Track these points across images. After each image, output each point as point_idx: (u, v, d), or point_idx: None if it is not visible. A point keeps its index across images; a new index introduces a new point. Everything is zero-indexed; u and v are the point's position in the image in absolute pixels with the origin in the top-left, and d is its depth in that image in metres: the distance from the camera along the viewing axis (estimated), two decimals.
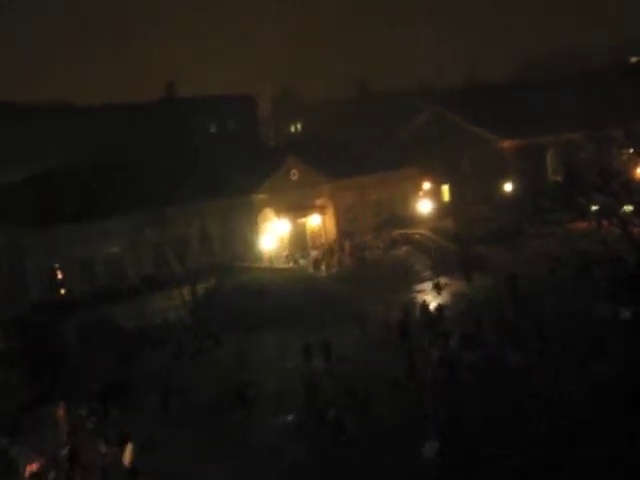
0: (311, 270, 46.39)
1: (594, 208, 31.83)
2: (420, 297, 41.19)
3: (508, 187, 60.96)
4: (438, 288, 41.12)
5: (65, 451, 23.72)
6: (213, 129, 74.95)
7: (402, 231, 52.87)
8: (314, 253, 50.17)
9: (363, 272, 45.41)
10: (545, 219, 49.34)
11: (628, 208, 30.67)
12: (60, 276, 42.10)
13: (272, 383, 28.94)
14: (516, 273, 38.31)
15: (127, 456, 23.47)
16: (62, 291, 41.91)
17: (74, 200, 43.65)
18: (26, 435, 26.33)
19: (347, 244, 50.30)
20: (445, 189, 64.89)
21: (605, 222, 29.49)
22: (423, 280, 44.75)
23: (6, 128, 58.87)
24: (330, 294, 40.85)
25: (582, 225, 36.84)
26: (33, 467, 23.04)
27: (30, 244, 40.51)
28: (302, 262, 48.00)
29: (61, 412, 27.85)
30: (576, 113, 50.22)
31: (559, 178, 52.65)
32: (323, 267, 46.91)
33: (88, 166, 50.43)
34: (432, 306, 36.73)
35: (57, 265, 41.84)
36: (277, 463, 22.73)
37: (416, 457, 21.52)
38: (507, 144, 61.45)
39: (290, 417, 26.29)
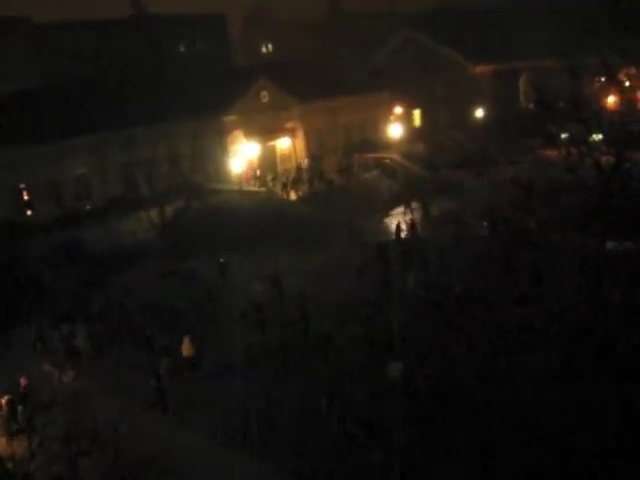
0: (280, 193, 46.26)
1: (564, 136, 31.85)
2: (389, 221, 41.50)
3: (480, 113, 60.83)
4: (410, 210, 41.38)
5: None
6: (182, 49, 73.23)
7: (372, 155, 52.72)
8: (284, 176, 49.94)
9: (332, 196, 45.41)
10: (515, 145, 49.64)
11: (597, 137, 30.74)
12: (26, 197, 41.45)
13: (237, 305, 28.98)
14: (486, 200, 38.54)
15: (186, 348, 24.70)
16: (28, 212, 41.32)
17: (38, 119, 42.62)
18: None
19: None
20: (417, 114, 64.56)
21: (574, 150, 29.53)
22: (392, 204, 44.86)
23: None
24: (299, 217, 40.89)
25: (552, 153, 36.96)
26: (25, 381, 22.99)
27: None
28: (271, 185, 47.79)
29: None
30: (551, 40, 49.78)
31: (531, 105, 52.73)
32: (292, 190, 46.79)
33: (52, 85, 49.13)
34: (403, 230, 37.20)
35: (23, 185, 41.14)
36: (228, 388, 22.94)
37: (382, 378, 21.97)
38: (480, 69, 61.04)
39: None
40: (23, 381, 22.98)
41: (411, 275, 29.98)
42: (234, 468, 19.17)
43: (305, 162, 52.86)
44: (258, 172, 49.61)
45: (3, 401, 22.46)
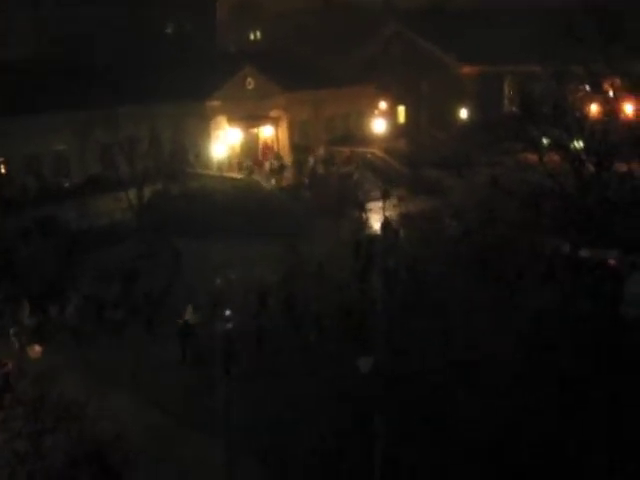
0: (262, 181, 46.11)
1: (546, 141, 32.13)
2: (369, 215, 41.58)
3: (464, 113, 61.07)
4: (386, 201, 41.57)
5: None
6: (170, 29, 72.50)
7: (354, 149, 52.74)
8: (265, 165, 49.82)
9: (313, 187, 45.41)
10: (497, 148, 49.89)
11: (579, 144, 31.03)
12: (3, 171, 40.97)
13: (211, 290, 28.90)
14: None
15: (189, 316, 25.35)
16: (4, 186, 40.80)
17: (18, 92, 42.05)
18: None
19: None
20: (401, 110, 64.67)
21: (556, 156, 29.84)
22: (372, 199, 44.90)
23: None
24: (279, 206, 40.85)
25: (532, 157, 37.14)
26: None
27: None
28: (252, 173, 47.63)
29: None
30: (537, 45, 49.96)
31: (514, 108, 52.96)
32: (273, 179, 46.69)
33: (33, 59, 48.49)
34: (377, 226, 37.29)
35: (0, 159, 40.66)
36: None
37: (353, 372, 22.04)
38: (466, 69, 61.28)
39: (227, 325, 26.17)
40: None
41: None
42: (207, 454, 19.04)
43: (288, 152, 52.76)
44: (240, 159, 49.38)
45: None
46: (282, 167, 48.77)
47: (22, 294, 28.34)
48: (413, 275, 29.70)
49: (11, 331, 25.76)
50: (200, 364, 23.54)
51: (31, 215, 35.78)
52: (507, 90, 61.43)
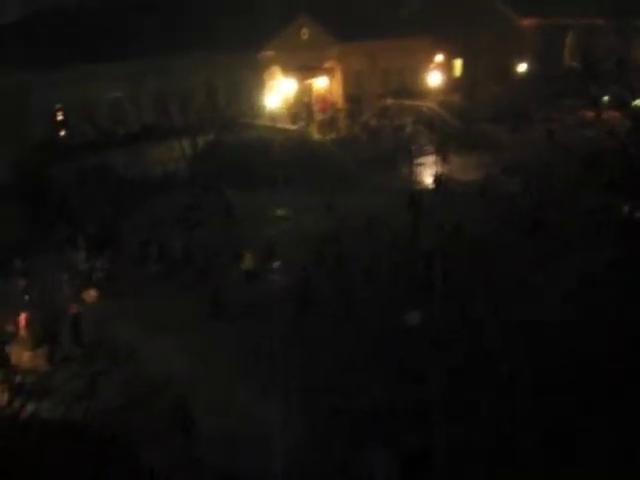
0: (315, 133, 45.97)
1: (605, 98, 31.31)
2: (422, 169, 41.27)
3: (523, 67, 59.63)
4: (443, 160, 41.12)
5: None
6: None
7: (409, 102, 52.03)
8: (319, 116, 49.56)
9: (367, 140, 45.11)
10: (555, 103, 48.77)
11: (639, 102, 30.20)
12: (61, 118, 41.58)
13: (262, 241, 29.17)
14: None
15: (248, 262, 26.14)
16: (62, 133, 41.50)
17: (73, 42, 42.33)
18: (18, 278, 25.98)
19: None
20: (458, 63, 63.32)
21: (616, 113, 29.07)
22: (425, 153, 44.44)
23: None
24: (331, 159, 40.72)
25: (590, 114, 36.34)
26: (24, 317, 23.13)
27: (31, 84, 39.67)
28: (306, 124, 47.49)
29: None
30: None
31: (575, 63, 51.61)
32: (328, 131, 46.48)
33: (87, 8, 48.52)
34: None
35: (58, 106, 41.24)
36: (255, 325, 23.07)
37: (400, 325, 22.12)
38: (527, 22, 59.61)
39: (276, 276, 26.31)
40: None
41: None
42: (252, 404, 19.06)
43: (341, 104, 52.34)
44: (293, 110, 49.14)
45: (22, 318, 22.88)
46: (335, 119, 48.47)
47: (77, 239, 29.04)
48: (460, 231, 29.31)
49: (65, 275, 26.34)
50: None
51: (87, 162, 36.33)
52: (568, 44, 59.73)
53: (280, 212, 33.56)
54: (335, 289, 25.01)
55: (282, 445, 16.32)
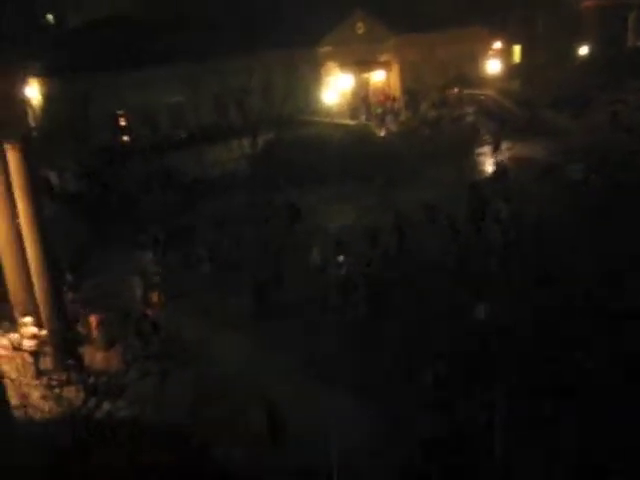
0: (374, 127, 45.77)
1: None
2: (483, 159, 40.71)
3: (584, 51, 58.29)
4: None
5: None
6: None
7: (468, 91, 51.40)
8: (378, 110, 49.34)
9: (426, 132, 44.70)
10: (618, 86, 47.51)
11: None
12: (123, 123, 42.39)
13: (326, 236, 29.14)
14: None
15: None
16: (125, 138, 42.31)
17: (135, 47, 43.10)
18: (87, 280, 26.37)
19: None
20: (516, 50, 62.25)
21: None
22: (486, 142, 43.81)
23: None
24: (392, 152, 40.46)
25: None
26: (95, 318, 23.29)
27: (94, 90, 40.51)
28: (364, 119, 47.34)
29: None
30: None
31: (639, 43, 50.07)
32: (386, 125, 46.25)
33: (147, 14, 49.34)
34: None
35: (120, 112, 42.05)
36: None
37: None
38: (587, 3, 58.25)
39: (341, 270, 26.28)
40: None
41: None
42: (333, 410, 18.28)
43: (400, 96, 52.03)
44: (351, 105, 48.99)
45: (94, 319, 23.30)
46: (394, 112, 48.21)
47: (144, 240, 29.61)
48: (520, 222, 28.74)
49: (133, 276, 26.79)
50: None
51: (150, 165, 36.96)
52: (631, 24, 58.11)
53: (341, 208, 33.49)
54: (399, 283, 24.89)
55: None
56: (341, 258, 26.17)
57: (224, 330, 22.96)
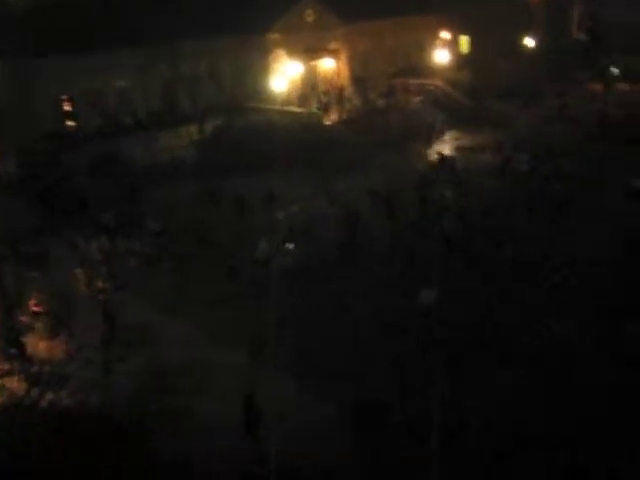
0: (322, 115, 45.77)
1: (615, 70, 31.02)
2: (430, 149, 41.03)
3: (530, 42, 59.11)
4: None
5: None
6: None
7: (416, 81, 51.72)
8: (326, 98, 49.35)
9: (374, 121, 44.86)
10: (564, 77, 48.33)
11: None
12: (68, 108, 41.55)
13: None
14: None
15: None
16: (70, 123, 41.48)
17: (79, 30, 42.16)
18: (30, 267, 25.84)
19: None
20: (464, 40, 62.79)
21: (626, 86, 28.81)
22: (434, 132, 44.15)
23: None
24: (339, 140, 40.56)
25: (598, 86, 35.87)
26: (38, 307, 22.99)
27: (36, 73, 39.59)
28: (313, 106, 47.30)
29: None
30: None
31: (583, 35, 51.06)
32: (334, 113, 46.31)
33: None
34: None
35: (64, 97, 41.19)
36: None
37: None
38: None
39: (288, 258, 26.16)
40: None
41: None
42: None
43: (348, 84, 52.07)
44: (300, 92, 48.88)
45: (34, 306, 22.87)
46: (342, 100, 48.26)
47: (89, 226, 29.11)
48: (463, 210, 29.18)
49: (78, 264, 26.36)
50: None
51: (96, 150, 36.36)
52: (576, 16, 59.12)
53: (289, 195, 33.40)
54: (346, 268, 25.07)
55: None
56: (289, 246, 26.20)
57: (169, 317, 22.70)
